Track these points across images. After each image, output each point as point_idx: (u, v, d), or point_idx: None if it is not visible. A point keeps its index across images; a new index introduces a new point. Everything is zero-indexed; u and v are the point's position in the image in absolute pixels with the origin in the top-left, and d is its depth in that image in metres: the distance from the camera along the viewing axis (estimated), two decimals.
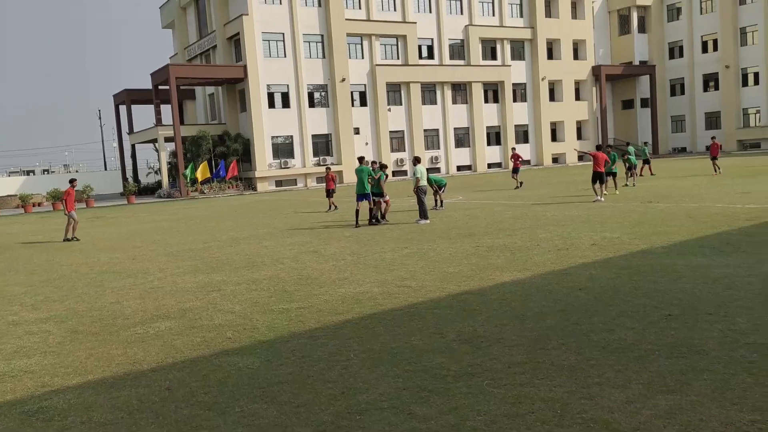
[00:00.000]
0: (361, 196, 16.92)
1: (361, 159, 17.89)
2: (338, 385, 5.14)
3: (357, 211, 17.00)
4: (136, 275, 11.36)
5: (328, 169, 23.92)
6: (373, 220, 17.11)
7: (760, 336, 5.62)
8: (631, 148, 26.01)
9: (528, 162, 55.67)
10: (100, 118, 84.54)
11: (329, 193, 23.00)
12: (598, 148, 20.86)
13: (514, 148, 30.81)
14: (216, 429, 4.44)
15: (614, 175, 22.00)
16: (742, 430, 3.89)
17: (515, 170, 28.39)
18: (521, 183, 27.91)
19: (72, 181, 19.34)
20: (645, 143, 33.96)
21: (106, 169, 79.93)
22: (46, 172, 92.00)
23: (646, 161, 30.48)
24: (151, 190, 48.89)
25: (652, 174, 29.61)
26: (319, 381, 5.26)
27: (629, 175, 25.00)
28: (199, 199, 39.16)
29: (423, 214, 16.85)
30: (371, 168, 17.91)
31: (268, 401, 4.89)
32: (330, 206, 22.78)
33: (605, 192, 19.87)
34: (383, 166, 18.13)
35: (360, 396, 4.86)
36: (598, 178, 19.34)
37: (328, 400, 4.82)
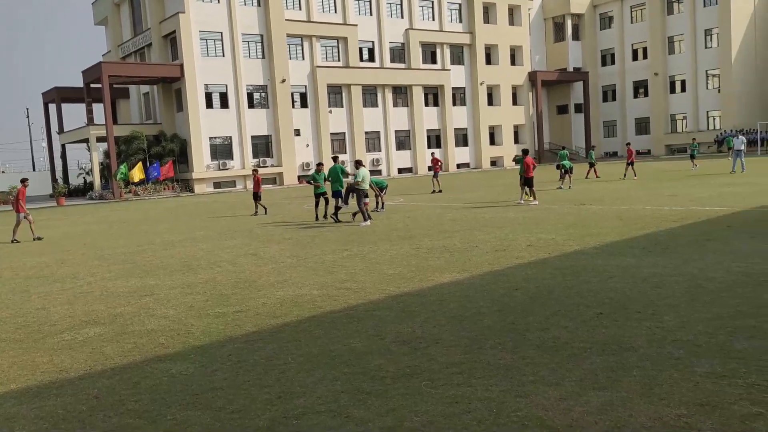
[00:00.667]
0: (336, 193, 17.96)
1: (335, 158, 19.03)
2: (275, 389, 5.06)
3: (336, 208, 17.92)
4: (64, 280, 10.92)
5: (255, 171, 23.16)
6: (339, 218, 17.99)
7: (685, 333, 5.84)
8: (563, 152, 26.66)
9: (467, 165, 56.55)
10: (28, 116, 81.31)
11: (256, 196, 22.22)
12: (525, 153, 20.39)
13: (433, 153, 31.56)
14: None
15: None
16: (669, 424, 4.02)
17: (435, 174, 29.06)
18: (440, 190, 27.92)
19: (24, 181, 18.66)
20: (593, 147, 35.01)
21: (34, 169, 76.78)
22: None
23: (592, 164, 31.59)
24: (82, 191, 47.26)
25: (586, 177, 30.51)
26: (256, 386, 5.16)
27: (563, 179, 25.65)
28: (133, 201, 38.06)
29: (364, 216, 16.86)
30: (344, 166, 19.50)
31: (201, 408, 4.76)
32: (257, 209, 22.21)
33: (529, 197, 20.14)
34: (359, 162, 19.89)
35: (297, 400, 4.80)
36: (528, 182, 19.69)
37: (264, 406, 4.73)
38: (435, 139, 55.17)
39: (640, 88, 62.38)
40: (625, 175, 28.48)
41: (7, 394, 5.36)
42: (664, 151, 59.47)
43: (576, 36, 64.41)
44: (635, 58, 62.48)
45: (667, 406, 4.27)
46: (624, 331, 6.00)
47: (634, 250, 10.32)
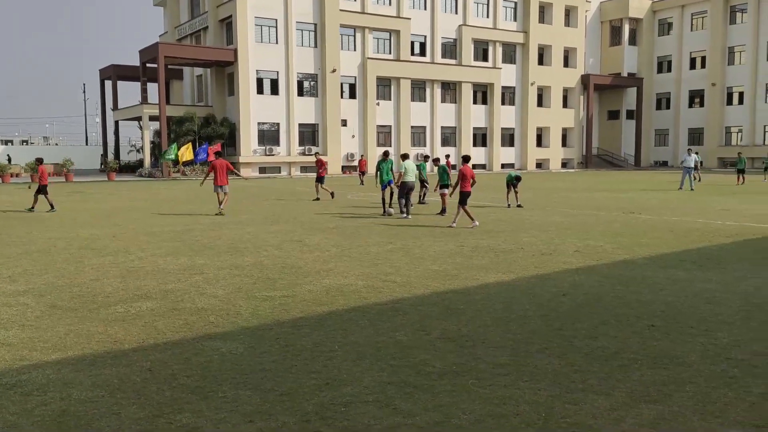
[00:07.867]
0: (384, 184, 18.68)
1: (386, 153, 19.66)
2: (322, 375, 5.12)
3: (383, 199, 18.49)
4: (116, 254, 11.21)
5: (317, 154, 25.34)
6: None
7: (740, 352, 5.70)
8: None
9: (512, 165, 56.02)
10: (84, 92, 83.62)
11: (320, 179, 23.25)
12: (466, 159, 15.32)
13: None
14: (199, 413, 4.39)
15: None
16: None
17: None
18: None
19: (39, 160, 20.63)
20: (739, 153, 35.22)
21: (87, 144, 78.96)
22: (25, 143, 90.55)
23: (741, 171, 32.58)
24: (132, 168, 48.36)
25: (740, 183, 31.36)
26: (303, 371, 5.23)
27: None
28: (180, 181, 38.79)
29: (403, 210, 16.80)
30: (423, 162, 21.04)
31: (251, 388, 4.85)
32: (318, 195, 23.26)
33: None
34: (426, 158, 22.26)
35: (344, 388, 4.84)
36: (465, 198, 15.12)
37: (312, 391, 4.80)
38: (481, 137, 54.81)
39: (696, 97, 60.89)
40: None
41: (65, 360, 5.54)
42: (716, 163, 57.93)
43: (633, 41, 63.11)
44: (693, 66, 60.97)
45: (721, 425, 4.18)
46: (676, 346, 5.88)
47: (686, 263, 10.10)
